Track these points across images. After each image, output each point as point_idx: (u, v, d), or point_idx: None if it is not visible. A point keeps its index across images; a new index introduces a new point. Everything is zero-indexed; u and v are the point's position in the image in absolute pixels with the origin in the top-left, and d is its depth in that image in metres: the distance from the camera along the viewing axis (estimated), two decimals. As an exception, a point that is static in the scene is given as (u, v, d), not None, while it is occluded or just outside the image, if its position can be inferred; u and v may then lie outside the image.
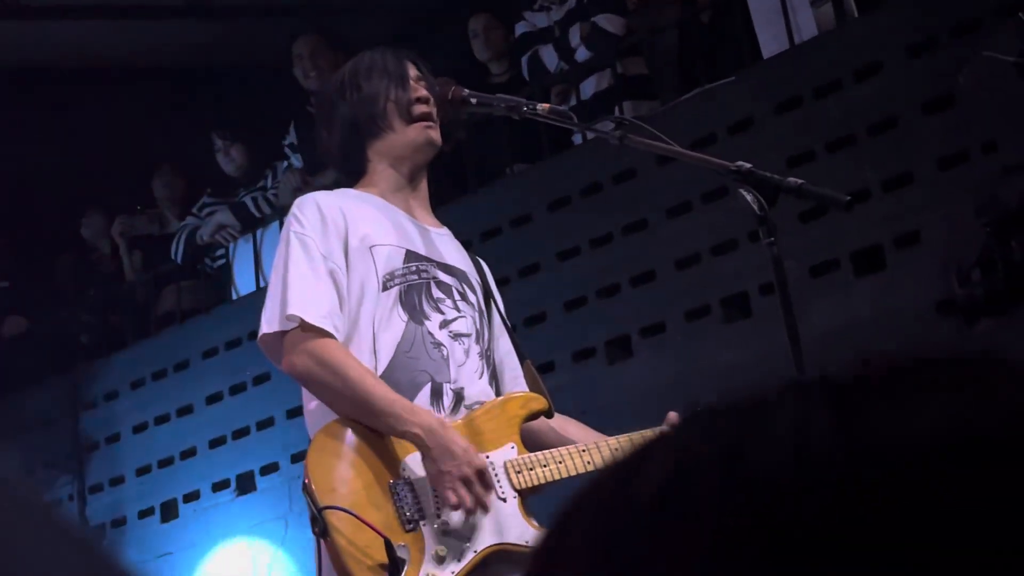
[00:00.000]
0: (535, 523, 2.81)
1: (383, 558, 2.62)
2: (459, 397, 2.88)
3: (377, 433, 2.78)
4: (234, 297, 7.44)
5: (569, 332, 5.74)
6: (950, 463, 0.53)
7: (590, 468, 2.87)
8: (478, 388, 2.92)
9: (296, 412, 5.65)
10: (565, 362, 5.69)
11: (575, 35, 6.52)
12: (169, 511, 7.10)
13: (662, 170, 5.52)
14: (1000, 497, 0.52)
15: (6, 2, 7.66)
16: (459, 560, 2.72)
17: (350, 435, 2.77)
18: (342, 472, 2.73)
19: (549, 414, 2.99)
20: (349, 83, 3.07)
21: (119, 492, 7.32)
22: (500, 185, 6.40)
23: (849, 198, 2.59)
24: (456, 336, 2.93)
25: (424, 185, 3.14)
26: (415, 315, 2.90)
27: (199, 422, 7.03)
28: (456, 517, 2.74)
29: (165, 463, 7.14)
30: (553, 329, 5.77)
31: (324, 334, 2.79)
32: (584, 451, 2.89)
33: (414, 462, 2.78)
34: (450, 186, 6.53)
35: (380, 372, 2.82)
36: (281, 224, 5.27)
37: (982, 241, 3.78)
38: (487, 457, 2.81)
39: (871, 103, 5.08)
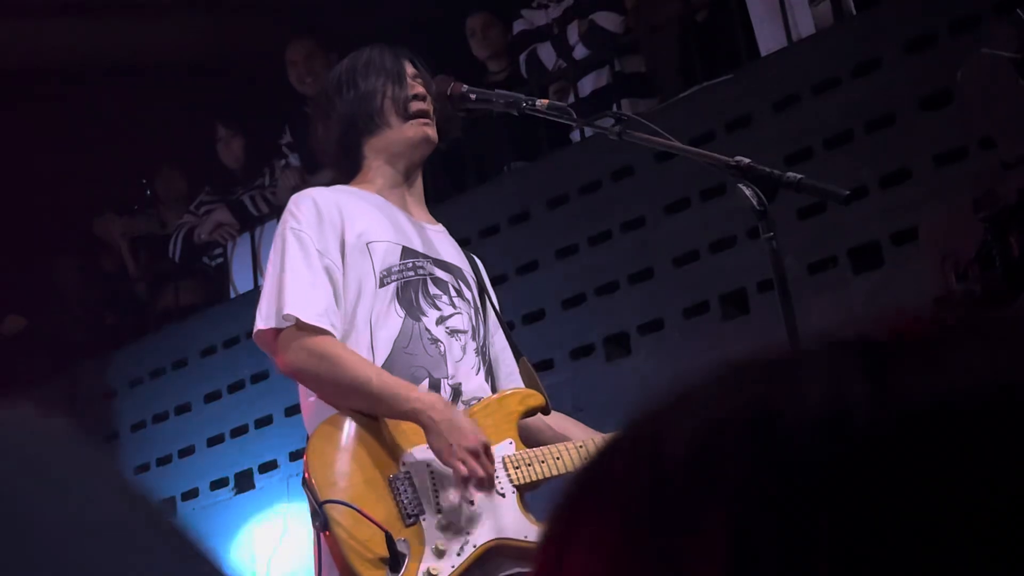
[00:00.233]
0: (533, 518, 2.81)
1: (384, 552, 2.63)
2: (457, 393, 2.89)
3: (376, 427, 2.79)
4: (232, 295, 7.44)
5: (568, 329, 5.74)
6: (988, 424, 0.51)
7: (588, 464, 2.87)
8: (475, 384, 2.93)
9: (294, 410, 5.65)
10: (564, 359, 5.70)
11: (573, 33, 6.52)
12: (167, 509, 7.10)
13: (660, 167, 5.53)
14: None
15: (4, 1, 7.66)
16: (459, 554, 2.73)
17: (349, 430, 2.78)
18: (342, 466, 2.73)
19: (546, 410, 3.00)
20: (346, 80, 3.08)
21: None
22: (498, 182, 6.40)
23: (848, 192, 2.60)
24: (453, 332, 2.94)
25: (420, 182, 3.15)
26: (412, 311, 2.91)
27: (197, 420, 7.03)
28: (456, 511, 2.75)
29: (163, 461, 7.14)
30: (552, 326, 5.77)
31: (320, 331, 2.79)
32: (581, 447, 2.90)
33: (414, 456, 2.78)
34: (448, 183, 6.54)
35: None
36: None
37: (980, 237, 3.78)
38: (485, 453, 2.82)
39: (869, 100, 5.09)
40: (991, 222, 3.79)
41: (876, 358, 0.55)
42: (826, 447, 0.52)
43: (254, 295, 6.37)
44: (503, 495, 2.81)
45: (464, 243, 3.34)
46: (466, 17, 7.09)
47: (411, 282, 2.94)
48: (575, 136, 6.24)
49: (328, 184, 3.20)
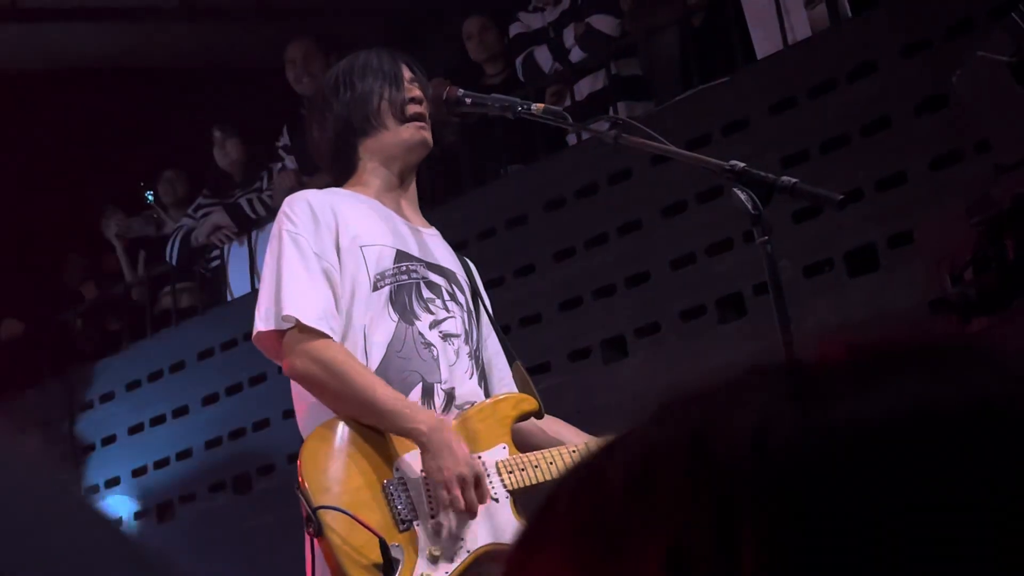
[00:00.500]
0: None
1: (378, 558, 2.63)
2: (450, 397, 2.89)
3: (371, 433, 2.79)
4: (229, 298, 7.44)
5: (564, 332, 5.74)
6: (904, 445, 0.54)
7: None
8: (468, 388, 2.93)
9: (292, 413, 5.62)
10: (561, 362, 5.70)
11: (569, 36, 6.53)
12: (165, 512, 7.10)
13: (657, 170, 5.53)
14: (953, 476, 0.53)
15: (5, 6, 7.67)
16: (452, 560, 2.73)
17: (343, 435, 2.78)
18: (336, 472, 2.73)
19: (539, 415, 3.00)
20: (343, 81, 3.08)
21: (115, 493, 7.32)
22: (495, 186, 6.40)
23: (842, 196, 2.60)
24: (446, 336, 2.94)
25: (414, 186, 3.15)
26: (405, 315, 2.91)
27: (195, 423, 7.03)
28: (450, 517, 2.75)
29: (161, 464, 7.14)
30: (548, 329, 5.78)
31: (321, 335, 2.79)
32: (574, 451, 2.90)
33: (408, 462, 2.79)
34: (445, 187, 6.54)
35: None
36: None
37: (975, 240, 3.79)
38: (479, 457, 2.82)
39: (865, 103, 5.10)
40: (986, 226, 3.80)
41: (802, 383, 0.58)
42: (751, 467, 0.54)
43: (251, 298, 6.38)
44: (497, 500, 2.81)
45: (461, 246, 3.35)
46: (463, 20, 7.09)
47: (404, 286, 2.94)
48: (571, 139, 6.25)
49: (324, 187, 3.20)
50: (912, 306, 4.68)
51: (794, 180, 2.55)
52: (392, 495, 2.74)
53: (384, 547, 2.63)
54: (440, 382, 2.88)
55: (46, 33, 8.10)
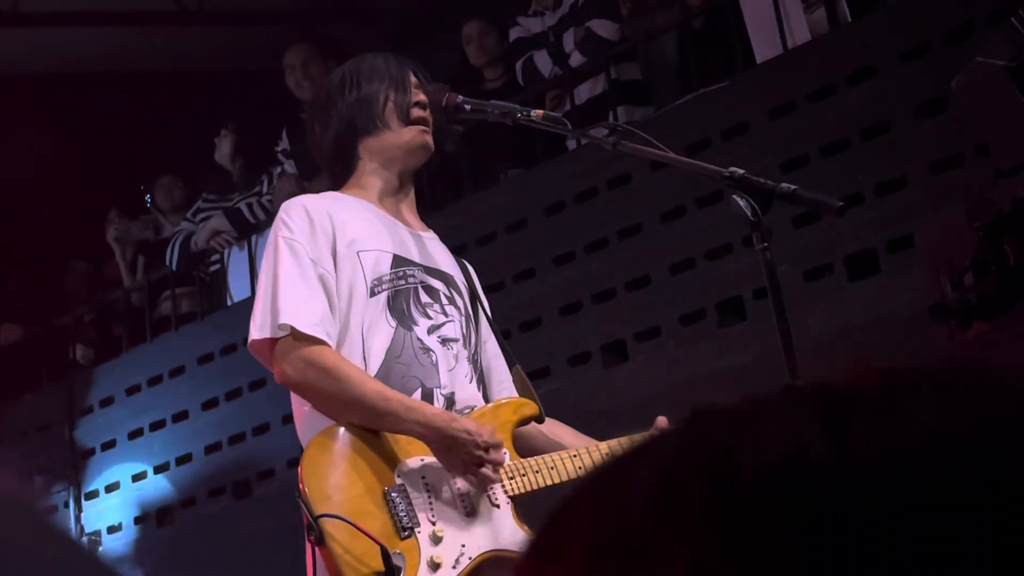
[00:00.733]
0: (528, 528, 2.81)
1: (379, 566, 2.63)
2: (449, 402, 2.89)
3: (371, 440, 2.79)
4: (229, 303, 7.44)
5: (564, 337, 5.74)
6: (935, 473, 0.55)
7: (581, 473, 2.88)
8: (468, 392, 2.93)
9: (292, 418, 5.65)
10: (560, 367, 5.70)
11: (569, 40, 6.53)
12: (165, 517, 7.10)
13: (656, 175, 5.53)
14: (973, 503, 0.54)
15: (6, 10, 7.67)
16: (454, 566, 2.73)
17: (343, 442, 2.77)
18: (336, 480, 2.72)
19: (540, 419, 3.00)
20: (350, 81, 3.08)
21: (115, 498, 7.32)
22: (495, 190, 6.40)
23: (842, 203, 2.59)
24: (445, 341, 2.94)
25: (412, 190, 3.15)
26: (403, 321, 2.91)
27: (195, 428, 7.03)
28: (451, 523, 2.75)
29: (161, 469, 7.14)
30: (548, 334, 5.78)
31: (317, 341, 2.79)
32: (575, 456, 2.90)
33: (409, 468, 2.78)
34: (445, 191, 6.55)
35: (370, 378, 2.83)
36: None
37: (975, 245, 3.79)
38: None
39: (864, 107, 5.10)
40: (986, 230, 3.80)
41: (832, 407, 0.58)
42: (782, 489, 0.55)
43: (251, 303, 6.38)
44: (498, 506, 2.81)
45: (461, 250, 3.35)
46: (462, 24, 7.09)
47: (402, 291, 2.94)
48: (571, 144, 6.25)
49: (324, 190, 3.20)
50: (912, 311, 4.68)
51: (794, 187, 2.55)
52: (393, 502, 2.74)
53: (385, 555, 2.63)
54: (439, 387, 2.88)
55: (47, 37, 8.11)
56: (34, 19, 7.92)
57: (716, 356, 5.25)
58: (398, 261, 2.97)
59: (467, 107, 3.04)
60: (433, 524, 2.75)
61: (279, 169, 7.47)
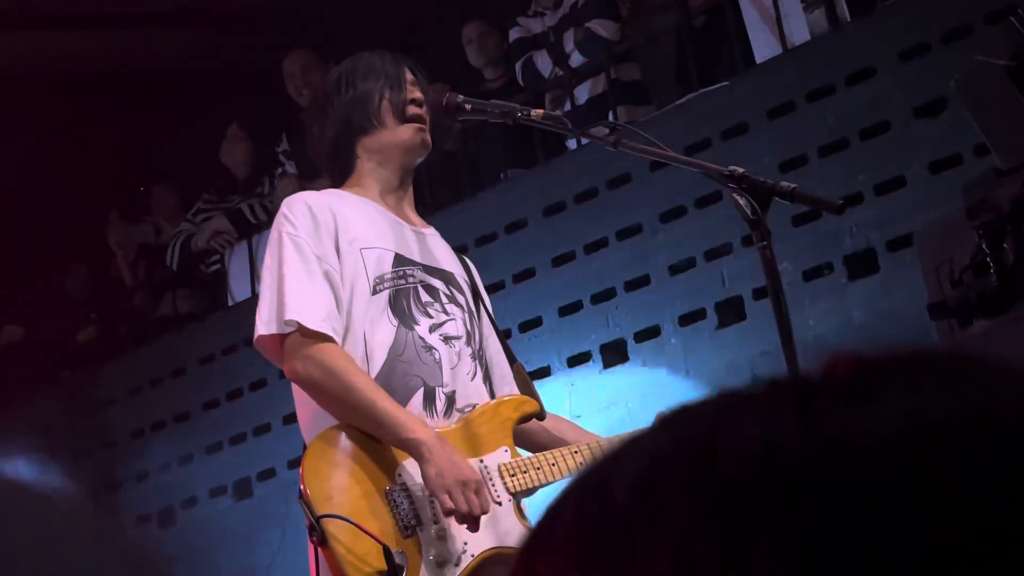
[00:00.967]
0: (530, 525, 2.81)
1: (382, 565, 2.63)
2: (451, 400, 2.89)
3: (372, 440, 2.79)
4: (230, 303, 7.44)
5: (564, 337, 5.75)
6: (910, 457, 0.55)
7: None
8: (471, 390, 2.93)
9: (292, 418, 5.64)
10: (561, 366, 5.71)
11: (569, 40, 6.54)
12: (166, 517, 7.10)
13: (656, 175, 5.54)
14: (957, 487, 0.54)
15: (10, 13, 7.68)
16: (457, 565, 2.73)
17: (345, 443, 2.77)
18: (338, 480, 2.73)
19: (541, 416, 3.00)
20: (346, 80, 3.08)
21: (116, 499, 7.32)
22: (495, 191, 6.41)
23: (842, 202, 2.59)
24: (447, 339, 2.94)
25: (411, 187, 3.15)
26: (405, 320, 2.91)
27: (196, 428, 7.03)
28: (453, 522, 2.75)
29: (162, 469, 7.14)
30: (548, 334, 5.79)
31: (324, 338, 2.79)
32: (576, 452, 2.90)
33: (410, 468, 2.78)
34: (445, 191, 6.55)
35: (373, 376, 2.82)
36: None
37: (974, 244, 3.79)
38: (481, 461, 2.83)
39: (864, 107, 5.11)
40: (986, 229, 3.80)
41: (807, 396, 0.59)
42: (760, 480, 0.56)
43: (252, 303, 6.38)
44: (499, 503, 2.82)
45: (461, 251, 3.34)
46: (463, 25, 7.10)
47: (402, 290, 2.94)
48: (571, 144, 6.26)
49: (323, 189, 3.20)
50: (912, 310, 4.68)
51: (793, 185, 2.55)
52: (395, 502, 2.74)
53: (388, 554, 2.63)
54: (441, 385, 2.88)
55: (51, 39, 8.11)
56: (39, 22, 7.92)
57: (716, 356, 5.25)
58: (399, 260, 2.97)
59: (467, 107, 3.04)
60: (435, 523, 2.75)
61: (279, 170, 7.48)
